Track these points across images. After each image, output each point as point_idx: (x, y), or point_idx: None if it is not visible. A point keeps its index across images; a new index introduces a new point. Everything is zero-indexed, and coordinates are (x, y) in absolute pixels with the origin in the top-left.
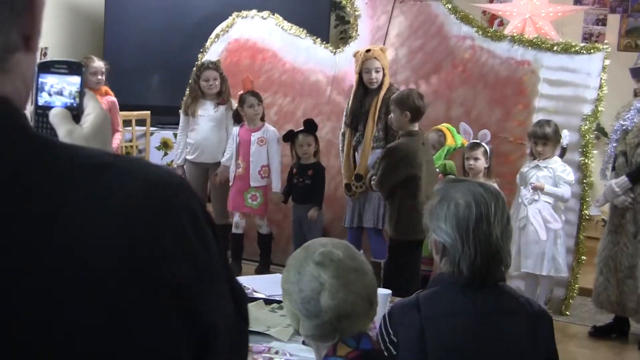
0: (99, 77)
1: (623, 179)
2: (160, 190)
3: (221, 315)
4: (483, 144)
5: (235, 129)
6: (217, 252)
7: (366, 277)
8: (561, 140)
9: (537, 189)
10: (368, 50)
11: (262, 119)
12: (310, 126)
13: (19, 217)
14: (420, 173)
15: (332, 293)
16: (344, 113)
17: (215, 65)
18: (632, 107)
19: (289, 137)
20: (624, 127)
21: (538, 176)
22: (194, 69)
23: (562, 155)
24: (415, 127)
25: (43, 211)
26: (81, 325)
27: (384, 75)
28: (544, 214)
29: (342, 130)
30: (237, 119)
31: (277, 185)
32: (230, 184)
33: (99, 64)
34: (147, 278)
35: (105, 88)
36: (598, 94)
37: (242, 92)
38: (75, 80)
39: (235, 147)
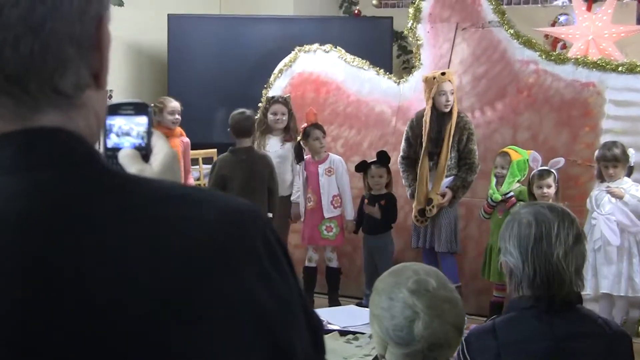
0: (177, 116)
1: None
2: (235, 219)
3: (299, 344)
4: (553, 170)
5: (302, 165)
6: (293, 280)
7: (457, 306)
8: (629, 160)
9: (616, 196)
10: (443, 73)
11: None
12: (383, 158)
13: (96, 250)
14: (231, 185)
15: (426, 323)
16: (405, 137)
17: (284, 101)
18: None
19: (362, 167)
20: None
21: (610, 198)
22: (264, 102)
23: (629, 175)
24: (243, 143)
25: (120, 243)
26: (162, 352)
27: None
28: (619, 218)
29: (404, 154)
30: (299, 155)
31: (350, 213)
32: (302, 219)
33: (175, 103)
34: (226, 306)
35: (179, 129)
36: None
37: (305, 125)
38: (143, 120)
39: (303, 182)
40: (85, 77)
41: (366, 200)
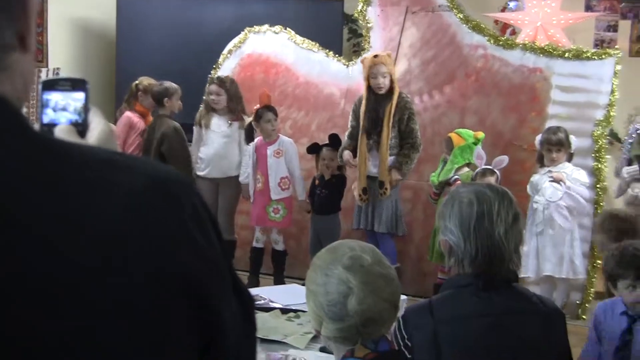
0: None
1: (634, 167)
2: (163, 186)
3: (227, 310)
4: (496, 170)
5: (252, 145)
6: (220, 249)
7: (393, 283)
8: (571, 146)
9: (558, 180)
10: (376, 56)
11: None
12: (334, 141)
13: (21, 218)
14: (149, 147)
15: (360, 298)
16: (350, 117)
17: (219, 81)
18: None
19: (313, 150)
20: (639, 131)
21: (551, 182)
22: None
23: (569, 161)
24: (159, 111)
25: (47, 209)
26: (90, 320)
27: (391, 81)
28: (568, 202)
29: (348, 133)
30: (250, 136)
31: (301, 194)
32: (251, 200)
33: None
34: (153, 271)
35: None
36: (610, 99)
37: (258, 106)
38: (80, 96)
39: (252, 163)
40: (10, 39)
41: (317, 182)
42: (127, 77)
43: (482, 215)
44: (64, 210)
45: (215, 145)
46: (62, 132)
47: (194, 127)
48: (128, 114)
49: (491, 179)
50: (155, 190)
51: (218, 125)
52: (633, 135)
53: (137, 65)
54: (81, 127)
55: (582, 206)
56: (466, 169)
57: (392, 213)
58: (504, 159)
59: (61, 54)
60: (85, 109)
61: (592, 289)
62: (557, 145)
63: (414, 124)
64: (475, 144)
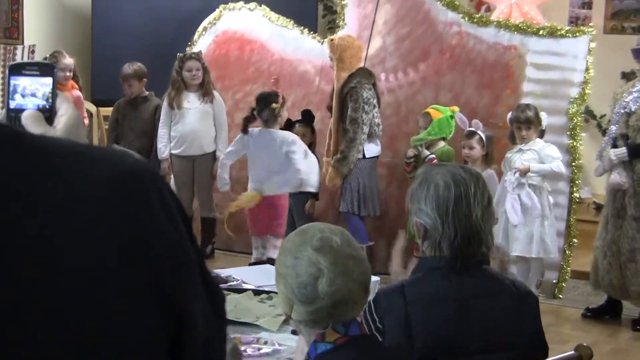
0: (67, 73)
1: (622, 149)
2: (132, 178)
3: (194, 302)
4: (478, 131)
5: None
6: (189, 241)
7: (363, 264)
8: (542, 123)
9: (524, 173)
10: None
11: None
12: (307, 117)
13: None
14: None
15: (330, 280)
16: None
17: (197, 56)
18: (634, 90)
19: (286, 126)
20: (625, 110)
21: (522, 159)
22: (176, 61)
23: (541, 137)
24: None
25: (14, 201)
26: (56, 310)
27: (340, 67)
28: (523, 200)
29: None
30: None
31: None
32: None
33: (69, 60)
34: (122, 265)
35: (71, 82)
36: (585, 77)
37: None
38: (48, 81)
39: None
40: None
41: None
42: (103, 55)
43: (460, 199)
44: (29, 202)
45: (191, 123)
46: (30, 117)
47: (163, 108)
48: None
49: (470, 141)
50: (124, 181)
51: (192, 102)
52: (619, 114)
53: (113, 42)
54: (48, 113)
55: (534, 206)
56: (442, 144)
57: (354, 192)
58: (477, 122)
59: (37, 31)
60: (53, 94)
61: (568, 268)
62: (525, 123)
63: (355, 112)
64: (452, 117)
